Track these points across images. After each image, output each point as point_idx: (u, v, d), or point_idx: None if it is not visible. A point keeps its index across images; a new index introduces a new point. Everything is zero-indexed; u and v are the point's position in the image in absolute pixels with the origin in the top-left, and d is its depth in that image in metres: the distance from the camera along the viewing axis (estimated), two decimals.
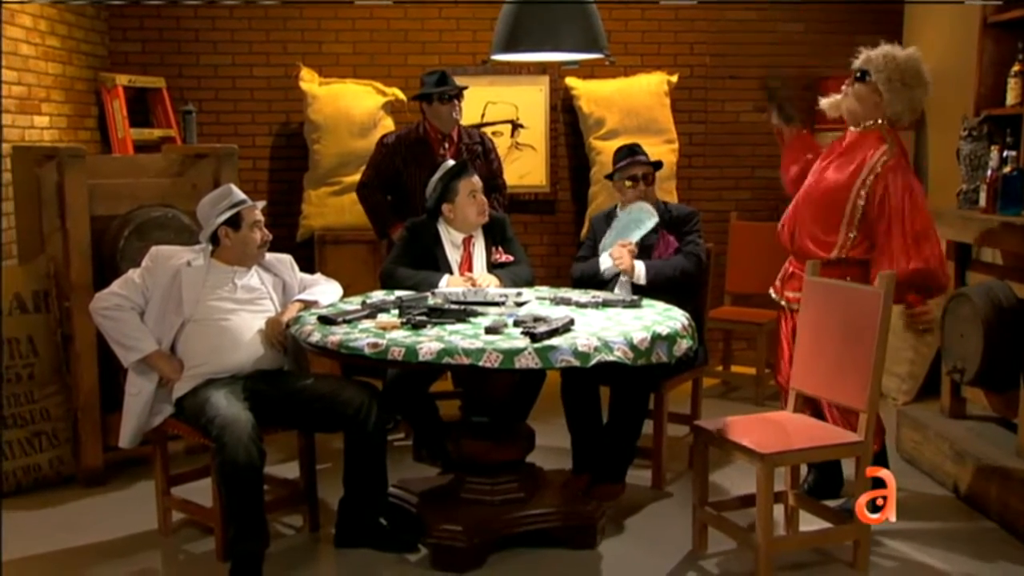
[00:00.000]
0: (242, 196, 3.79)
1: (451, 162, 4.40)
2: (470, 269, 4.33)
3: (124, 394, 3.78)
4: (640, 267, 4.21)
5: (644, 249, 4.32)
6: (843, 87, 3.96)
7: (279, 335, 3.73)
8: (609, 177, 4.55)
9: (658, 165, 4.53)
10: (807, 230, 3.93)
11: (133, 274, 3.73)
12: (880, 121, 3.89)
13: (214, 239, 3.78)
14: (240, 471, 3.37)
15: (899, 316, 3.89)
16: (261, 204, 3.86)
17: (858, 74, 3.90)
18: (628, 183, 4.41)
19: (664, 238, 4.33)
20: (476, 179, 4.30)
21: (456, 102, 4.82)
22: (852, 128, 3.95)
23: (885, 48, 3.90)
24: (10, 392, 4.29)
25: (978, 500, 4.12)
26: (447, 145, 4.86)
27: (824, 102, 4.04)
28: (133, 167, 4.72)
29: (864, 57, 3.92)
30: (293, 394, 3.71)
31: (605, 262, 4.36)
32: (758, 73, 6.29)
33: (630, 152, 4.45)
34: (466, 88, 4.94)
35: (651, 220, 4.32)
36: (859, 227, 3.83)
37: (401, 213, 4.80)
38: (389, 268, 4.30)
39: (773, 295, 4.18)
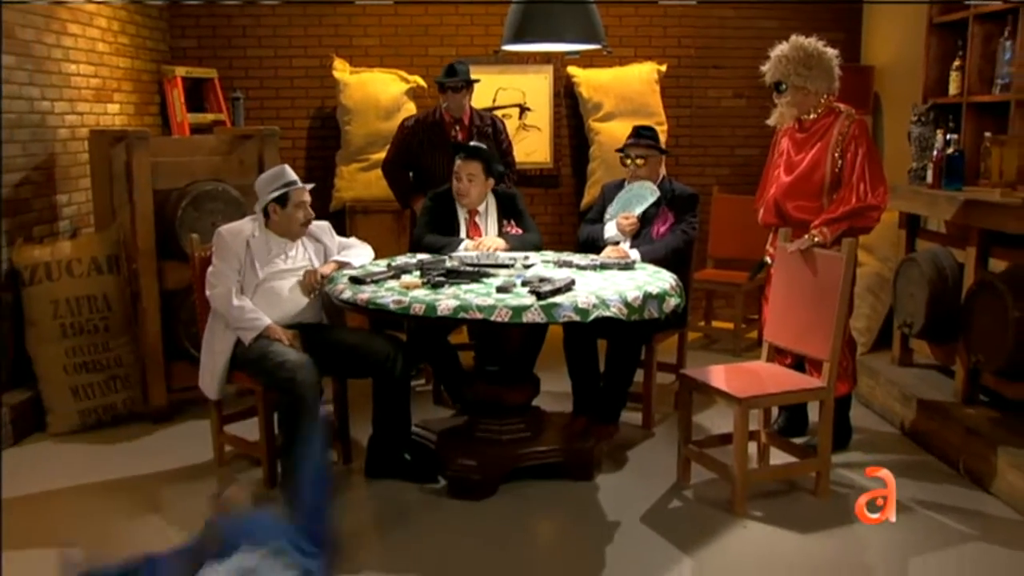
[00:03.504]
0: (293, 177, 3.74)
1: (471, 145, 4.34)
2: (479, 235, 4.28)
3: (202, 354, 3.76)
4: (635, 255, 4.09)
5: (645, 221, 4.24)
6: (775, 100, 3.88)
7: (315, 283, 3.71)
8: (620, 151, 4.40)
9: (661, 151, 4.36)
10: (797, 206, 3.85)
11: (217, 263, 3.65)
12: (823, 100, 3.83)
13: (265, 212, 3.74)
14: (308, 407, 3.38)
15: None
16: (310, 186, 3.81)
17: (775, 87, 3.84)
18: (628, 160, 4.32)
19: (664, 213, 4.23)
20: (459, 161, 4.17)
21: (465, 91, 4.73)
22: (804, 117, 3.87)
23: (776, 53, 3.83)
24: (89, 342, 4.33)
25: (921, 436, 4.12)
26: (458, 128, 4.79)
27: (772, 121, 3.96)
28: (189, 147, 4.71)
29: (769, 72, 3.84)
30: (329, 345, 3.70)
31: (609, 230, 4.29)
32: (737, 64, 6.20)
33: (636, 135, 4.33)
34: (476, 81, 4.83)
35: (652, 196, 4.24)
36: (837, 189, 3.78)
37: (422, 187, 4.74)
38: (419, 233, 4.27)
39: (768, 260, 4.05)
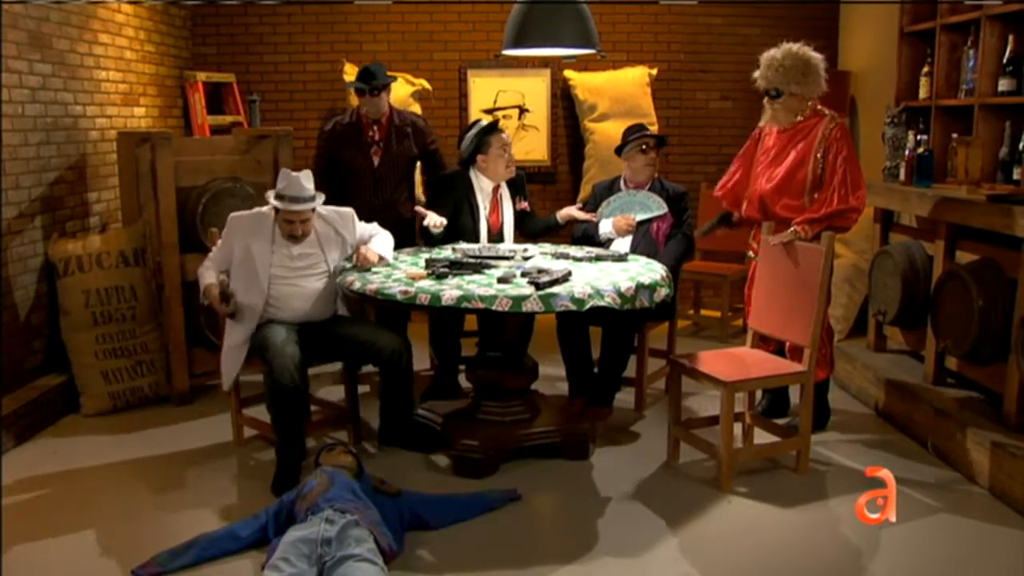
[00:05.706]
0: (293, 194, 3.50)
1: (484, 120, 4.33)
2: (498, 215, 4.27)
3: (222, 348, 3.75)
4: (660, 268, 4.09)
5: (644, 221, 4.23)
6: (766, 104, 3.84)
7: (367, 263, 3.63)
8: (618, 151, 4.33)
9: (662, 140, 4.36)
10: (781, 203, 3.83)
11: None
12: (810, 104, 3.81)
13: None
14: (285, 393, 3.39)
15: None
16: (303, 207, 3.52)
17: (772, 94, 3.78)
18: (640, 151, 4.24)
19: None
20: (506, 136, 4.21)
21: (382, 94, 4.44)
22: (794, 119, 3.84)
23: (770, 61, 3.75)
24: (118, 330, 4.34)
25: (894, 417, 4.14)
26: (376, 128, 4.50)
27: (764, 122, 3.92)
28: (209, 147, 4.70)
29: (765, 78, 3.77)
30: (340, 338, 3.70)
31: (604, 227, 4.27)
32: (723, 68, 6.20)
33: (640, 127, 4.34)
34: (393, 80, 4.56)
35: (659, 210, 4.22)
36: (818, 189, 3.77)
37: (349, 190, 4.45)
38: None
39: (751, 255, 4.04)
